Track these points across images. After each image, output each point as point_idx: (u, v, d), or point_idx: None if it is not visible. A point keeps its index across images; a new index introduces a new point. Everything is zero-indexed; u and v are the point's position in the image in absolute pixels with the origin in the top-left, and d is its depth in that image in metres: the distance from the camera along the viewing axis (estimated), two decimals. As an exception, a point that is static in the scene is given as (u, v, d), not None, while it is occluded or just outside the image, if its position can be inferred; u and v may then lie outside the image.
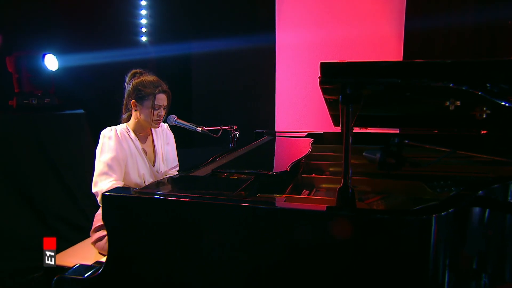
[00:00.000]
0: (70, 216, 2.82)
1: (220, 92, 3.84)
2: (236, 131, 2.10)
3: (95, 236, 1.74)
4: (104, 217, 0.91)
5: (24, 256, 2.52)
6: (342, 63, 0.67)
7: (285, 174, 1.25)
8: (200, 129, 1.87)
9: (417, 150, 1.68)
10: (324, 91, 0.83)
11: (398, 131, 2.34)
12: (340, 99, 0.76)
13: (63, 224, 2.79)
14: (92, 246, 1.83)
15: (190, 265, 0.83)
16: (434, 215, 0.74)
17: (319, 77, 0.73)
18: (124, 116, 1.88)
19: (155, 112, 1.75)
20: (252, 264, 0.78)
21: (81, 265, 1.03)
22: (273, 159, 1.46)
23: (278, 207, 0.80)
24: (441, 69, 0.62)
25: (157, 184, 1.01)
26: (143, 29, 3.49)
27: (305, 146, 1.73)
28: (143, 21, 3.46)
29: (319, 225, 0.77)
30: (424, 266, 0.74)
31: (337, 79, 0.68)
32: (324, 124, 3.63)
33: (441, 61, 0.61)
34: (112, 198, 0.89)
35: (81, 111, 2.83)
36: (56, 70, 2.91)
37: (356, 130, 2.22)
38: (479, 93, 0.62)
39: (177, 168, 2.04)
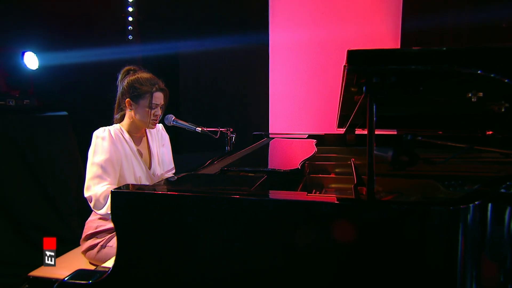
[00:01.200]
0: (51, 227, 2.75)
1: (209, 93, 3.85)
2: (232, 134, 2.12)
3: (86, 244, 1.71)
4: (113, 216, 0.91)
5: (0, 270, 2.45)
6: (371, 50, 0.70)
7: (297, 173, 1.27)
8: (200, 129, 1.88)
9: (423, 150, 1.73)
10: (347, 84, 0.85)
11: (395, 133, 2.40)
12: (364, 89, 0.79)
13: (43, 235, 2.72)
14: (82, 256, 1.79)
15: (211, 264, 0.83)
16: (461, 206, 0.77)
17: (345, 66, 0.75)
18: (117, 116, 1.86)
19: (152, 112, 1.75)
20: (284, 259, 0.80)
21: (81, 270, 1.02)
22: (280, 159, 1.47)
23: (312, 201, 0.82)
24: (470, 55, 0.66)
25: (167, 182, 1.01)
26: (130, 27, 3.48)
27: (310, 147, 1.76)
28: (130, 19, 3.45)
29: (348, 217, 0.79)
30: (452, 260, 0.76)
31: (366, 67, 0.70)
32: (321, 125, 3.70)
33: (471, 47, 0.64)
34: (123, 195, 0.89)
35: (64, 113, 2.79)
36: (36, 69, 2.86)
37: (359, 131, 2.28)
38: (506, 80, 0.66)
39: (173, 171, 2.03)
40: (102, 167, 1.61)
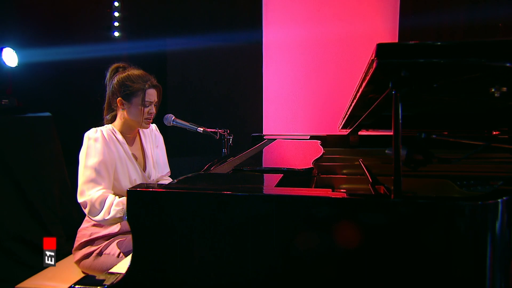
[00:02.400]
0: (31, 237, 2.70)
1: (199, 93, 3.86)
2: (229, 135, 2.12)
3: (80, 253, 1.69)
4: (130, 216, 0.91)
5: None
6: (401, 43, 0.74)
7: (311, 172, 1.30)
8: (202, 129, 1.89)
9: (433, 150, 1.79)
10: (370, 80, 0.89)
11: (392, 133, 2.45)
12: (390, 85, 0.82)
13: (24, 247, 2.67)
14: (74, 266, 1.77)
15: (237, 265, 0.85)
16: (490, 201, 0.81)
17: (372, 60, 0.78)
18: (108, 117, 1.85)
19: (145, 110, 1.75)
20: (317, 257, 0.83)
21: (89, 276, 1.02)
22: (290, 159, 1.50)
23: (346, 198, 0.85)
24: (502, 47, 0.70)
25: (183, 181, 1.02)
26: (116, 23, 3.47)
27: (317, 148, 1.79)
28: (116, 14, 3.44)
29: (379, 213, 0.83)
30: (481, 257, 0.80)
31: (398, 60, 0.74)
32: (317, 126, 3.76)
33: (503, 40, 0.68)
34: (141, 194, 0.90)
35: (47, 114, 2.75)
36: (16, 66, 2.82)
37: (362, 132, 2.33)
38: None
39: (169, 174, 2.04)
40: (96, 170, 1.60)
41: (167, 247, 0.88)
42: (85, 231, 1.72)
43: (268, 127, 3.81)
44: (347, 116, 1.76)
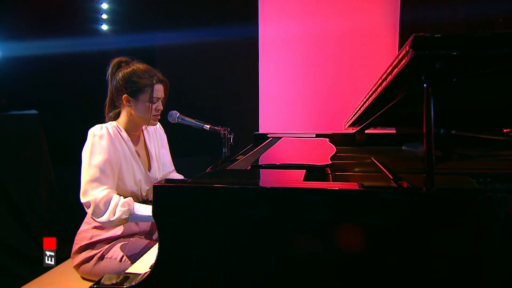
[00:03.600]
0: (18, 246, 2.66)
1: (191, 90, 3.87)
2: (230, 134, 2.15)
3: (80, 257, 1.70)
4: (156, 213, 0.94)
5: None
6: (439, 34, 0.79)
7: (331, 167, 1.35)
8: (209, 126, 1.91)
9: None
10: (399, 75, 0.93)
11: (394, 131, 2.52)
12: (423, 77, 0.88)
13: (9, 256, 2.63)
14: (72, 272, 1.78)
15: (274, 261, 0.89)
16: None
17: (407, 51, 0.83)
18: (111, 114, 1.86)
19: (153, 106, 1.77)
20: (355, 251, 0.87)
21: (109, 275, 1.04)
22: (306, 156, 1.54)
23: (383, 188, 0.90)
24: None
25: (205, 176, 1.05)
26: (104, 16, 3.46)
27: (328, 145, 1.84)
28: (104, 6, 3.44)
29: (411, 207, 0.88)
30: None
31: (436, 52, 0.79)
32: (315, 124, 3.82)
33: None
34: (168, 189, 0.92)
35: (33, 111, 2.73)
36: (-3, 61, 2.80)
37: (368, 131, 2.39)
38: None
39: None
40: (101, 169, 1.61)
41: (197, 244, 0.91)
42: (85, 233, 1.73)
43: (265, 126, 3.85)
44: (358, 113, 1.81)
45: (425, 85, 0.91)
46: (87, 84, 3.24)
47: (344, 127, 2.38)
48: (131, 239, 1.74)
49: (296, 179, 1.04)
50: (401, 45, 3.89)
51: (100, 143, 1.64)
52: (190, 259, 0.92)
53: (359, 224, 0.88)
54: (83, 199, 1.58)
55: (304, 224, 0.88)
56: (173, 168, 2.05)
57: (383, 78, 1.16)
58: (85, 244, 1.70)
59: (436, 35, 0.79)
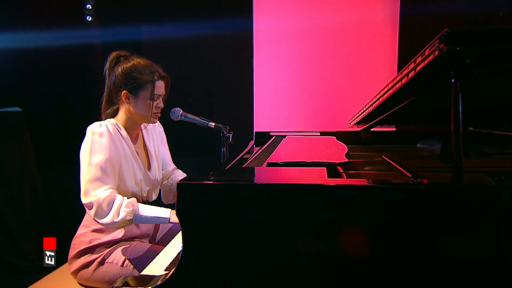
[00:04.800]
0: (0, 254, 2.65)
1: (181, 87, 3.88)
2: (229, 133, 2.17)
3: (79, 262, 1.71)
4: (180, 210, 0.97)
5: None
6: (471, 29, 0.85)
7: (349, 165, 1.40)
8: (214, 124, 1.94)
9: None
10: (426, 68, 0.99)
11: (394, 129, 2.60)
12: (451, 73, 0.94)
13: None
14: (68, 278, 1.79)
15: (301, 258, 0.93)
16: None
17: (438, 46, 0.88)
18: (108, 111, 1.87)
19: (154, 104, 1.79)
20: (389, 246, 0.93)
21: (129, 276, 1.07)
22: (316, 154, 1.59)
23: (421, 184, 0.96)
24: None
25: (227, 173, 1.09)
26: (89, 6, 3.45)
27: (338, 144, 1.90)
28: (90, -4, 3.42)
29: (444, 202, 0.96)
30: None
31: (468, 47, 0.84)
32: (313, 122, 3.88)
33: None
34: (194, 187, 0.96)
35: (16, 109, 2.71)
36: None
37: (375, 129, 2.46)
38: None
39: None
40: (102, 169, 1.62)
41: (222, 240, 0.95)
42: (84, 237, 1.74)
43: (260, 124, 3.89)
44: (368, 111, 1.87)
45: (453, 80, 0.97)
46: (73, 80, 3.24)
47: (348, 125, 2.44)
48: (132, 242, 1.76)
49: (320, 176, 1.08)
50: (401, 40, 3.99)
51: (100, 141, 1.65)
52: (215, 256, 0.96)
53: (394, 218, 0.94)
54: (84, 200, 1.60)
55: (337, 220, 0.93)
56: (174, 165, 2.08)
57: (403, 74, 1.21)
58: (83, 249, 1.71)
59: (469, 30, 0.85)
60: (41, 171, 2.84)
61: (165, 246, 1.75)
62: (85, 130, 1.70)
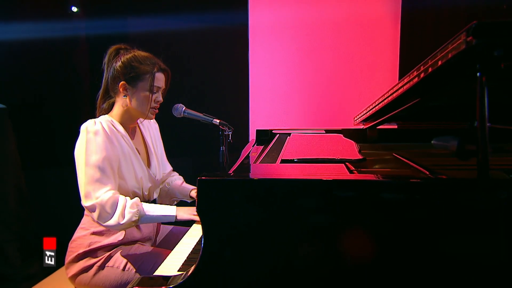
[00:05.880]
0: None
1: (173, 82, 3.90)
2: (229, 130, 2.19)
3: (77, 267, 1.72)
4: (201, 208, 1.00)
5: None
6: (502, 20, 0.90)
7: (365, 161, 1.45)
8: (218, 121, 1.98)
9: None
10: (449, 62, 1.04)
11: (396, 127, 2.67)
12: (478, 67, 0.99)
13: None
14: (64, 283, 1.80)
15: (329, 254, 0.97)
16: None
17: (465, 39, 0.94)
18: (104, 105, 1.89)
19: (153, 97, 1.82)
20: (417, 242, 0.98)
21: (146, 277, 1.10)
22: (329, 151, 1.64)
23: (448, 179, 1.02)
24: None
25: (245, 169, 1.13)
26: (74, -4, 3.45)
27: (347, 141, 1.95)
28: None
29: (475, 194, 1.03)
30: None
31: (500, 39, 0.90)
32: (311, 120, 3.93)
33: None
34: (216, 183, 0.99)
35: (0, 105, 2.71)
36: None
37: (382, 127, 2.52)
38: None
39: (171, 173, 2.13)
40: (100, 169, 1.64)
41: (244, 236, 0.99)
42: (82, 240, 1.76)
43: (256, 121, 3.92)
44: (378, 107, 1.92)
45: (478, 74, 1.03)
46: (59, 75, 3.23)
47: (354, 123, 2.50)
48: (133, 246, 1.78)
49: (341, 172, 1.13)
50: (403, 34, 4.07)
51: (95, 140, 1.67)
52: (237, 251, 1.00)
53: (427, 214, 0.99)
54: (86, 203, 1.61)
55: (367, 215, 0.98)
56: (171, 167, 2.11)
57: (421, 69, 1.26)
58: (82, 252, 1.73)
59: (499, 22, 0.90)
60: (27, 173, 2.83)
61: (166, 248, 1.78)
62: (76, 127, 1.71)
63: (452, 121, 2.25)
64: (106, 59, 1.84)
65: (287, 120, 3.95)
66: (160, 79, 1.82)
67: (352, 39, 3.98)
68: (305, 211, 0.99)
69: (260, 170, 1.16)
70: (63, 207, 2.70)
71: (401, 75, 3.90)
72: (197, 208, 1.01)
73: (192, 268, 1.02)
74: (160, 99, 1.84)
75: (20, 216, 2.78)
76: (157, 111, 1.86)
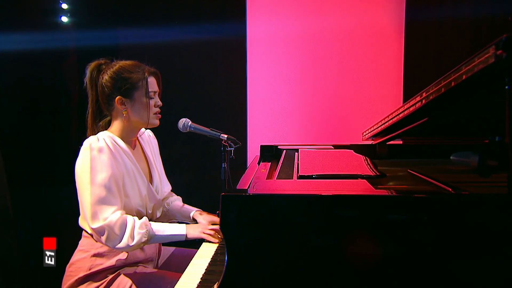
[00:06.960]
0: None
1: (166, 96, 3.94)
2: (233, 146, 2.20)
3: (76, 292, 1.73)
4: (225, 225, 1.04)
5: None
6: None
7: (384, 177, 1.50)
8: (226, 136, 2.01)
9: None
10: (475, 76, 1.10)
11: (401, 142, 2.73)
12: (507, 80, 1.05)
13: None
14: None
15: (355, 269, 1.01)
16: None
17: (495, 52, 0.99)
18: (101, 124, 1.90)
19: (152, 102, 1.84)
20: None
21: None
22: (344, 167, 1.68)
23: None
24: None
25: (269, 184, 1.16)
26: (64, 5, 3.49)
27: (358, 156, 2.00)
28: (66, -6, 3.47)
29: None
30: None
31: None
32: (314, 135, 3.97)
33: None
34: (240, 199, 1.03)
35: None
36: None
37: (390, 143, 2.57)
38: None
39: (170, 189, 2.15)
40: (107, 188, 1.66)
41: (268, 251, 1.02)
42: (82, 263, 1.76)
43: (254, 136, 3.95)
44: (390, 122, 1.98)
45: (506, 87, 1.08)
46: (48, 88, 3.25)
47: (362, 138, 2.55)
48: (136, 268, 1.79)
49: (367, 188, 1.17)
50: (407, 45, 4.16)
51: (100, 157, 1.68)
52: (262, 268, 1.03)
53: (456, 228, 1.04)
54: (94, 225, 1.62)
55: (393, 231, 1.02)
56: (169, 185, 2.12)
57: (443, 84, 1.32)
58: (83, 276, 1.73)
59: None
60: (13, 193, 2.82)
61: (169, 270, 1.81)
62: (77, 145, 1.73)
63: (465, 136, 2.32)
64: (87, 77, 1.84)
65: (287, 135, 3.99)
66: (153, 83, 1.86)
67: (353, 52, 4.05)
68: (334, 225, 1.02)
69: (281, 186, 1.20)
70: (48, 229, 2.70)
71: (406, 88, 3.99)
72: (220, 225, 1.04)
73: (216, 284, 1.05)
74: (159, 102, 1.88)
75: (4, 240, 2.77)
76: (159, 116, 1.89)
